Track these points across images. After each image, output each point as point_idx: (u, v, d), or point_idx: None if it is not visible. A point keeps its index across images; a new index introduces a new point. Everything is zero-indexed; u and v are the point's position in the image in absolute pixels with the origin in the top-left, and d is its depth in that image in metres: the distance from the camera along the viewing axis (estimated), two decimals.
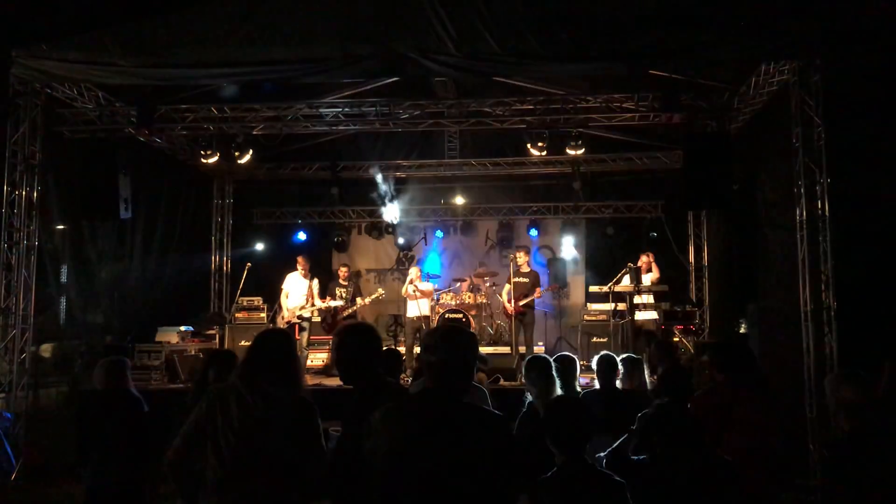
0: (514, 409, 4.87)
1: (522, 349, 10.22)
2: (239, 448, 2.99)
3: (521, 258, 10.81)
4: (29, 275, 8.34)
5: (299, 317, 10.28)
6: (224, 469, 2.99)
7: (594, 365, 5.46)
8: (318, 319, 11.03)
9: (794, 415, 7.25)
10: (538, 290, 10.44)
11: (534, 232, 13.11)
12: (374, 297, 11.00)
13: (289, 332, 3.60)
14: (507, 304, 10.63)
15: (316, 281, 10.57)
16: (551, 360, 4.72)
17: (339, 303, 10.89)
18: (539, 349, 11.40)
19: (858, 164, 7.97)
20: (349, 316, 10.84)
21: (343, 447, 3.08)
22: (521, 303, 10.35)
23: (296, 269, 10.54)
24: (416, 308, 10.58)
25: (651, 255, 10.51)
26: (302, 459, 3.06)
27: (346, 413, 3.18)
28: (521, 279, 10.58)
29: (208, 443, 3.02)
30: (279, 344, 3.30)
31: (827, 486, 3.35)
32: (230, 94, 9.37)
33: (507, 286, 10.82)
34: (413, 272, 11.05)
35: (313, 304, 10.39)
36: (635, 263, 10.28)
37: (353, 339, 3.28)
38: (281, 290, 10.56)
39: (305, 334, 10.35)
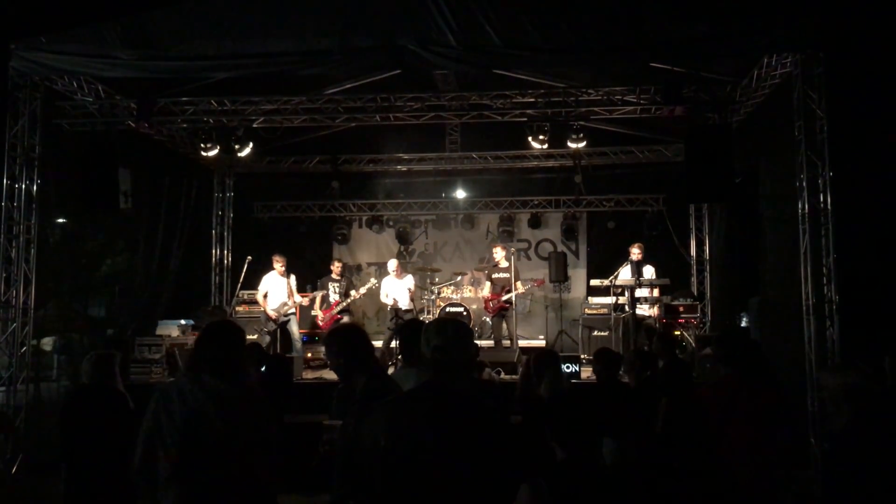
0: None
1: (507, 343, 10.21)
2: (182, 444, 2.99)
3: (499, 253, 10.75)
4: (29, 268, 8.32)
5: (284, 314, 10.25)
6: (172, 466, 2.99)
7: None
8: (316, 314, 11.01)
9: (794, 408, 7.23)
10: (518, 284, 10.34)
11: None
12: (367, 286, 10.97)
13: (236, 324, 3.56)
14: (488, 302, 10.57)
15: (293, 277, 10.51)
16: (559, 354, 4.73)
17: (320, 293, 10.88)
18: (540, 343, 11.40)
19: (861, 157, 7.93)
20: (343, 310, 10.82)
21: (350, 442, 3.06)
22: (503, 298, 10.30)
23: (272, 269, 10.44)
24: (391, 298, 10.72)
25: (641, 245, 10.40)
26: (251, 450, 3.06)
27: (350, 408, 3.17)
28: (500, 274, 10.53)
29: (157, 443, 3.03)
30: (223, 336, 3.28)
31: (828, 477, 3.32)
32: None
33: (487, 283, 10.75)
34: (392, 264, 11.03)
35: (294, 301, 10.37)
36: (627, 256, 10.24)
37: (346, 339, 3.35)
38: (258, 290, 10.50)
39: (296, 328, 10.33)
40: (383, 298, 10.96)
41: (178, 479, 2.98)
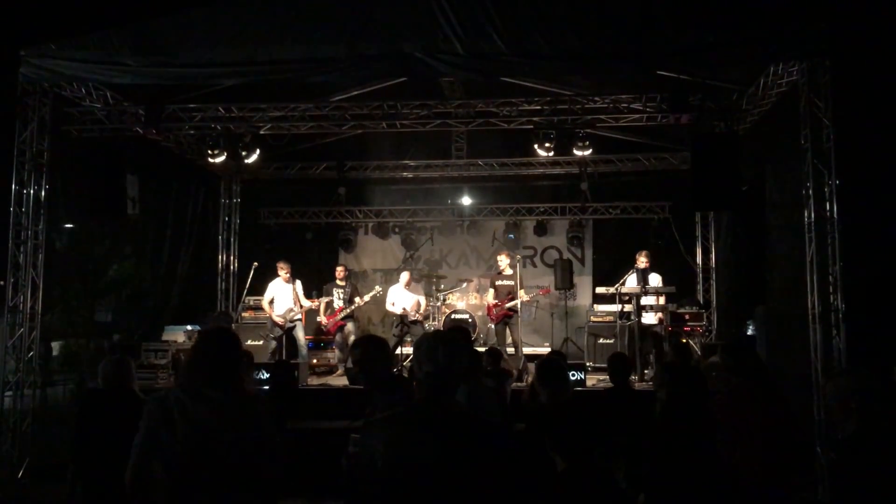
0: (519, 411, 4.87)
1: (511, 350, 10.19)
2: (186, 459, 2.94)
3: (503, 260, 10.74)
4: (36, 273, 8.35)
5: (291, 320, 10.27)
6: (173, 481, 2.94)
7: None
8: (322, 319, 11.01)
9: (800, 417, 7.21)
10: (521, 292, 10.29)
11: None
12: (371, 294, 10.97)
13: (231, 331, 3.56)
14: (491, 309, 10.57)
15: (299, 283, 10.53)
16: (563, 362, 4.71)
17: (325, 299, 10.90)
18: (545, 350, 11.39)
19: (867, 165, 7.94)
20: (348, 316, 10.82)
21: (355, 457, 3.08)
22: (507, 306, 10.28)
23: (277, 275, 10.45)
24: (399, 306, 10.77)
25: (648, 252, 10.31)
26: (255, 460, 3.03)
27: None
28: (504, 282, 10.51)
29: (156, 456, 2.97)
30: (219, 345, 3.21)
31: (835, 485, 3.28)
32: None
33: (491, 290, 10.73)
34: (404, 276, 11.06)
35: (301, 306, 10.37)
36: (634, 263, 10.21)
37: (372, 349, 3.45)
38: (263, 296, 10.52)
39: (301, 334, 10.35)
40: (389, 307, 10.97)
41: (181, 495, 2.94)
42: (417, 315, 10.72)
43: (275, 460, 3.14)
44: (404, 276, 11.11)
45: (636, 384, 8.98)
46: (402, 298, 10.85)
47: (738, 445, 4.15)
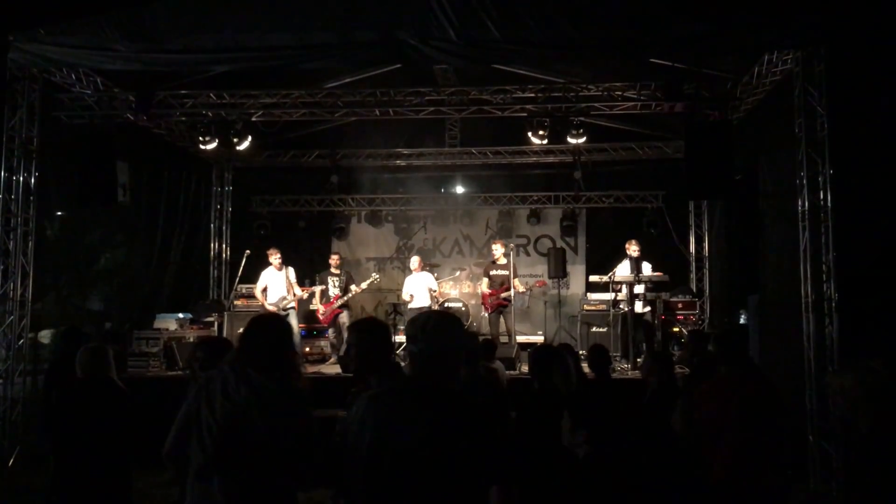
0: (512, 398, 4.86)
1: (505, 339, 10.19)
2: (221, 436, 2.96)
3: (498, 249, 10.72)
4: (27, 261, 8.31)
5: (284, 308, 10.23)
6: (206, 457, 2.96)
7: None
8: (318, 308, 10.98)
9: (793, 406, 7.23)
10: (516, 281, 10.29)
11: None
12: (368, 282, 10.92)
13: (284, 319, 3.57)
14: (486, 298, 10.54)
15: (291, 270, 10.48)
16: (558, 350, 4.70)
17: (319, 287, 10.85)
18: (538, 339, 11.40)
19: (861, 154, 7.93)
20: (343, 305, 10.78)
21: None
22: (503, 296, 10.26)
23: (269, 264, 10.42)
24: (418, 300, 10.62)
25: (636, 242, 10.28)
26: (289, 450, 3.02)
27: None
28: (499, 272, 10.49)
29: (193, 431, 3.00)
30: (272, 331, 3.24)
31: (852, 486, 3.14)
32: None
33: (485, 279, 10.72)
34: (414, 261, 10.98)
35: (294, 294, 10.33)
36: (625, 252, 10.19)
37: (366, 333, 3.41)
38: (256, 285, 10.49)
39: (294, 322, 10.30)
40: (404, 296, 10.93)
41: (210, 472, 2.96)
42: (431, 301, 10.62)
43: (309, 452, 3.11)
44: (413, 260, 11.06)
45: (629, 373, 9.03)
46: (412, 285, 10.80)
47: (721, 435, 4.12)
